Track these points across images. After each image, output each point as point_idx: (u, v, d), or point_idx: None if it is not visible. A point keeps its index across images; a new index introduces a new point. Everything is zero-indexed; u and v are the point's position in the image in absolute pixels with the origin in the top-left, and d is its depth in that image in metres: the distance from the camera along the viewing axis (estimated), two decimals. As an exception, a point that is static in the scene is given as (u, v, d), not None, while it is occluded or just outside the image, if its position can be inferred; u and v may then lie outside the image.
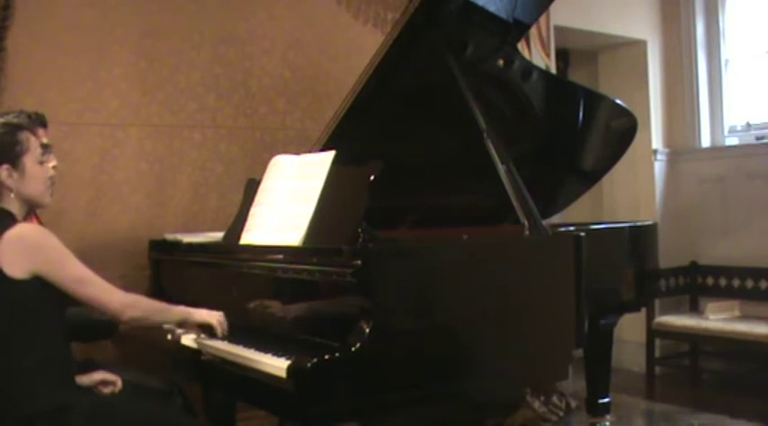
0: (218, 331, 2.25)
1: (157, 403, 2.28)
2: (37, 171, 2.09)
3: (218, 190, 3.51)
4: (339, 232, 2.15)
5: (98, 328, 2.53)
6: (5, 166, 2.04)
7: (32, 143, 2.09)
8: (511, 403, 3.76)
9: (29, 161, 2.07)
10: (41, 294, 1.97)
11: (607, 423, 3.19)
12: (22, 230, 1.98)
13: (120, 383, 2.17)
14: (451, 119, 2.71)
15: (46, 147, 2.11)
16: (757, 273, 4.79)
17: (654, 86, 5.42)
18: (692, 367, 4.95)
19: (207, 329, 2.28)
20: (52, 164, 2.12)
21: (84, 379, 2.12)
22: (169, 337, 2.40)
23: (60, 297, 2.01)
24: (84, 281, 2.02)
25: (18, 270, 1.94)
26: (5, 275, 1.93)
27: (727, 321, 4.55)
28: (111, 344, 2.90)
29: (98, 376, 2.16)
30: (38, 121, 2.12)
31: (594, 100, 3.31)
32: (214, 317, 2.26)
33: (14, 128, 2.08)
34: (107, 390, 2.14)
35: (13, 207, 2.06)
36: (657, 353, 4.93)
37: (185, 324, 2.29)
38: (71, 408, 1.93)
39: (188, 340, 2.37)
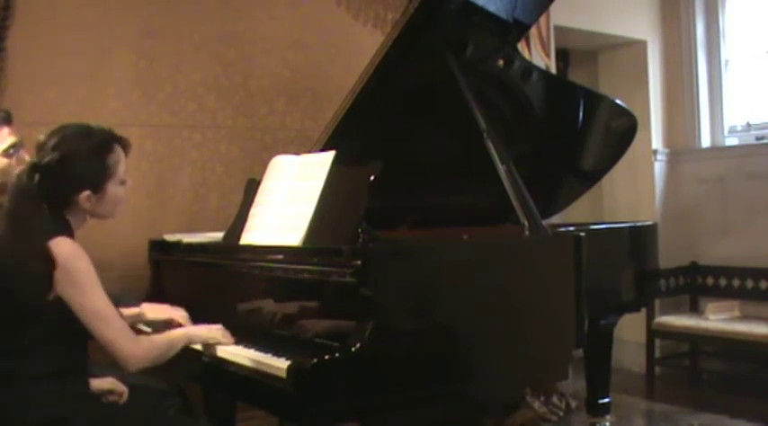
0: (224, 343, 2.20)
1: (158, 404, 2.28)
2: (117, 193, 2.01)
3: (218, 190, 3.51)
4: (339, 232, 2.15)
5: None
6: (87, 193, 1.95)
7: (121, 165, 2.01)
8: (511, 403, 3.76)
9: (111, 185, 1.99)
10: (63, 313, 1.90)
11: (607, 423, 3.19)
12: (59, 248, 1.88)
13: (126, 395, 2.14)
14: (451, 119, 2.71)
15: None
16: (757, 273, 4.79)
17: (654, 86, 5.42)
18: (691, 367, 4.94)
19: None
20: (130, 182, 2.07)
21: (95, 383, 2.09)
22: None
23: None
24: (101, 318, 1.90)
25: None
26: None
27: (727, 321, 4.55)
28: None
29: (107, 384, 2.12)
30: (128, 146, 2.06)
31: (594, 100, 3.31)
32: (214, 334, 2.20)
33: (108, 147, 1.99)
34: (112, 398, 2.11)
35: (76, 219, 1.99)
36: (657, 353, 4.93)
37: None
38: (72, 418, 1.90)
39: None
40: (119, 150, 2.03)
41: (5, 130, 2.42)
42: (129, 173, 2.07)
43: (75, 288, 1.88)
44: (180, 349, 2.15)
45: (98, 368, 2.21)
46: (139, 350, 1.95)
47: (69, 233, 1.95)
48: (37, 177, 1.92)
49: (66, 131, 1.98)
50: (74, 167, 1.94)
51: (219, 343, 2.20)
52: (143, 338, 2.06)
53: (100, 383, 2.11)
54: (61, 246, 1.88)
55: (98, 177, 1.97)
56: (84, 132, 1.99)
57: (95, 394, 2.09)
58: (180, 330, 2.24)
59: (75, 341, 1.96)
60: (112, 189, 2.00)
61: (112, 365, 2.16)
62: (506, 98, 3.06)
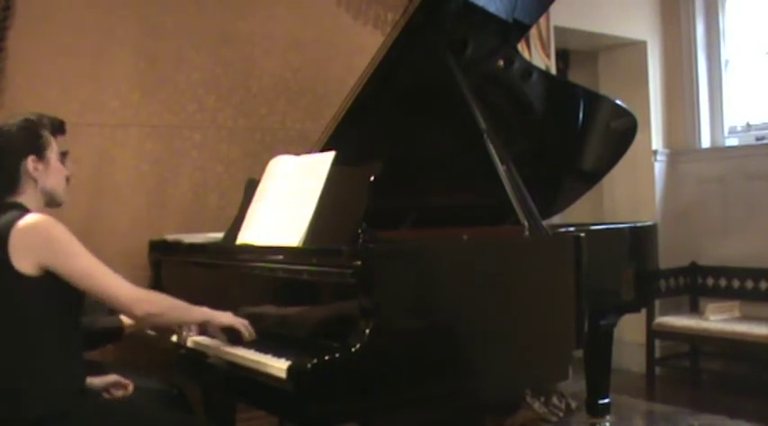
0: (246, 335, 2.15)
1: (158, 404, 2.28)
2: (59, 166, 2.13)
3: (218, 190, 3.51)
4: (339, 232, 2.15)
5: (104, 335, 2.50)
6: (32, 157, 2.06)
7: (52, 142, 2.13)
8: (511, 403, 3.76)
9: (52, 155, 2.11)
10: (52, 291, 1.94)
11: (607, 424, 3.19)
12: (33, 220, 1.96)
13: (131, 387, 2.16)
14: (451, 119, 2.71)
15: (63, 155, 2.15)
16: (757, 274, 4.79)
17: (654, 87, 5.42)
18: (691, 367, 4.95)
19: (228, 332, 2.19)
20: (68, 171, 2.17)
21: (97, 381, 2.11)
22: (175, 338, 2.39)
23: (74, 294, 1.98)
24: (93, 275, 1.96)
25: (28, 264, 1.91)
26: (16, 270, 1.91)
27: (727, 321, 4.55)
28: (112, 345, 2.90)
29: (111, 378, 2.15)
30: (58, 127, 2.14)
31: (594, 100, 3.31)
32: (239, 321, 2.16)
33: (36, 125, 2.11)
34: (118, 393, 2.13)
35: (31, 202, 2.07)
36: (657, 354, 4.93)
37: (207, 326, 2.22)
38: (75, 412, 1.91)
39: (193, 342, 2.36)
40: (47, 131, 2.13)
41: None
42: (71, 160, 2.20)
43: (62, 255, 1.95)
44: (195, 320, 2.19)
45: (102, 367, 2.22)
46: (139, 293, 2.02)
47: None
48: None
49: None
50: (11, 137, 2.06)
51: (241, 332, 2.15)
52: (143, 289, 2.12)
53: (103, 379, 2.14)
54: (37, 220, 1.96)
55: (36, 142, 2.08)
56: (12, 118, 2.14)
57: (96, 391, 2.10)
58: (203, 308, 2.20)
59: (71, 335, 1.99)
60: (54, 160, 2.11)
61: (113, 365, 2.17)
62: (506, 98, 3.06)
